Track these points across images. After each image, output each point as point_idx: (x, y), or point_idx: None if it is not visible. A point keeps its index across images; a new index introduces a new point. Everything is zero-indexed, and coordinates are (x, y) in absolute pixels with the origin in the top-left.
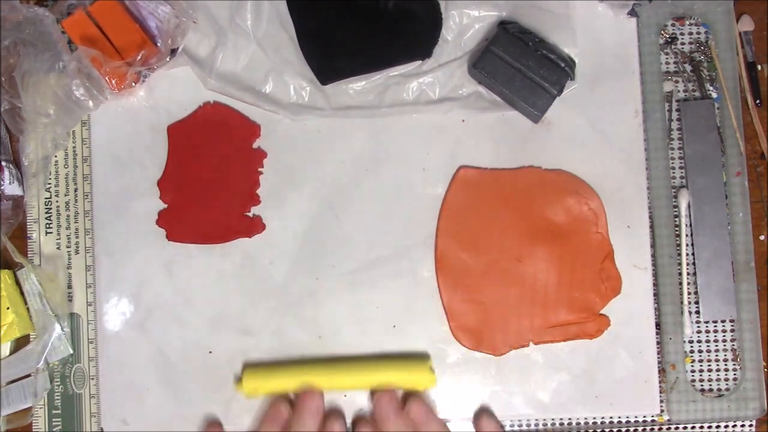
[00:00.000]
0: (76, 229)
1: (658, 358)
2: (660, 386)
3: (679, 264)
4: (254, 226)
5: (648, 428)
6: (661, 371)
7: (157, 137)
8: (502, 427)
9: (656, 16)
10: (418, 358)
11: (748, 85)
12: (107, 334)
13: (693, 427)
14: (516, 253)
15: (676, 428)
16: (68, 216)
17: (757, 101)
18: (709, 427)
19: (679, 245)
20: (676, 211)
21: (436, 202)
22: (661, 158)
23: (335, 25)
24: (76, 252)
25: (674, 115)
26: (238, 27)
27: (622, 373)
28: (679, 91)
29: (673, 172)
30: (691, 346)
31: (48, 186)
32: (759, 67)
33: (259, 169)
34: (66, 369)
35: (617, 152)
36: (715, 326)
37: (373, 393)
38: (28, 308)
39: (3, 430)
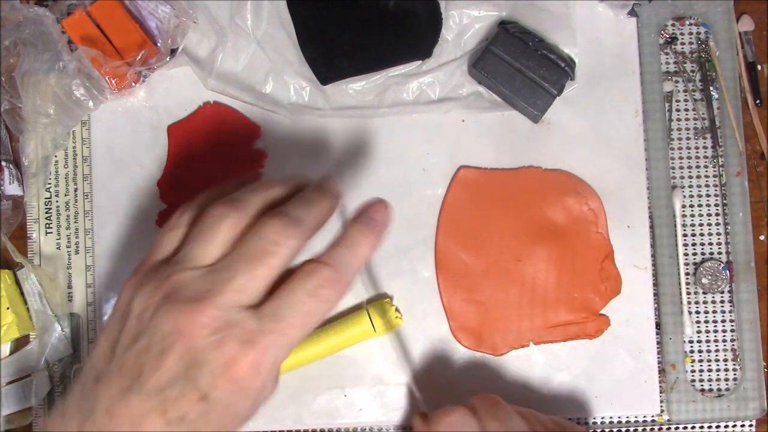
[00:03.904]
0: (76, 229)
1: (658, 358)
2: (660, 386)
3: (678, 264)
4: None
5: (648, 428)
6: (661, 371)
7: (157, 137)
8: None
9: (656, 16)
10: (378, 301)
11: (748, 85)
12: None
13: (693, 427)
14: (516, 253)
15: (676, 428)
16: (68, 216)
17: (757, 101)
18: (709, 427)
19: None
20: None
21: (436, 202)
22: (661, 158)
23: (335, 25)
24: (76, 252)
25: (674, 115)
26: (238, 27)
27: (622, 373)
28: (679, 91)
29: (673, 172)
30: (691, 346)
31: (48, 186)
32: (759, 67)
33: (259, 170)
34: (66, 369)
35: (617, 152)
36: (715, 326)
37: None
38: (28, 308)
39: (3, 430)
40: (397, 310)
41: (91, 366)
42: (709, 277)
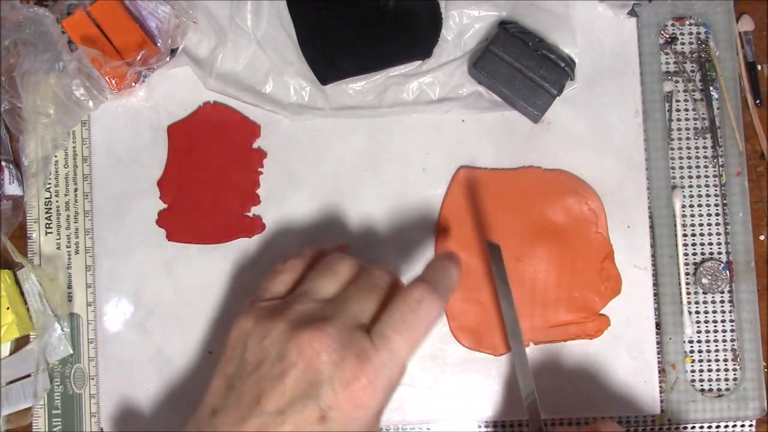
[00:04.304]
0: (76, 229)
1: (658, 358)
2: (660, 386)
3: (678, 264)
4: (254, 226)
5: (648, 428)
6: (661, 371)
7: (157, 137)
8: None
9: (656, 16)
10: None
11: (748, 85)
12: (107, 334)
13: (693, 427)
14: (516, 253)
15: (676, 428)
16: (68, 216)
17: (757, 101)
18: (709, 427)
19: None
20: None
21: (436, 202)
22: (661, 158)
23: (335, 25)
24: (76, 252)
25: (674, 115)
26: (238, 27)
27: (622, 373)
28: (679, 91)
29: (673, 172)
30: (691, 346)
31: (48, 186)
32: (759, 67)
33: (259, 169)
34: (66, 369)
35: (617, 152)
36: (715, 326)
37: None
38: (28, 308)
39: (3, 430)
40: None
41: (207, 403)
42: (709, 277)
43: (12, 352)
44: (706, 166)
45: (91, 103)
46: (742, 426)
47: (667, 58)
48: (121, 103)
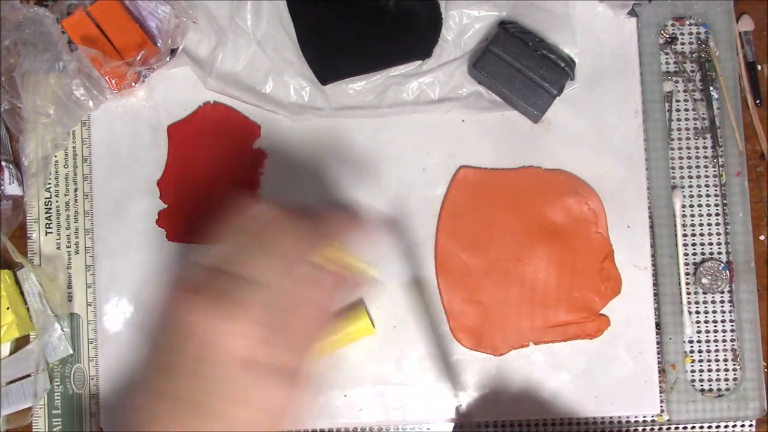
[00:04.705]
0: (76, 229)
1: (658, 358)
2: (660, 386)
3: (678, 264)
4: None
5: (648, 428)
6: (661, 371)
7: (157, 137)
8: None
9: (656, 16)
10: (354, 310)
11: (748, 85)
12: (107, 334)
13: (693, 427)
14: (516, 253)
15: (676, 428)
16: (68, 216)
17: (757, 101)
18: (709, 427)
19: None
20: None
21: (436, 202)
22: (661, 158)
23: (335, 25)
24: (76, 252)
25: (674, 115)
26: (238, 27)
27: (622, 373)
28: (679, 91)
29: (673, 172)
30: (691, 346)
31: (48, 186)
32: (759, 67)
33: (259, 169)
34: (66, 369)
35: (617, 152)
36: (715, 326)
37: None
38: (28, 308)
39: (3, 430)
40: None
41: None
42: (709, 277)
43: (12, 352)
44: (706, 166)
45: (91, 103)
46: (742, 426)
47: (667, 58)
48: (121, 103)
